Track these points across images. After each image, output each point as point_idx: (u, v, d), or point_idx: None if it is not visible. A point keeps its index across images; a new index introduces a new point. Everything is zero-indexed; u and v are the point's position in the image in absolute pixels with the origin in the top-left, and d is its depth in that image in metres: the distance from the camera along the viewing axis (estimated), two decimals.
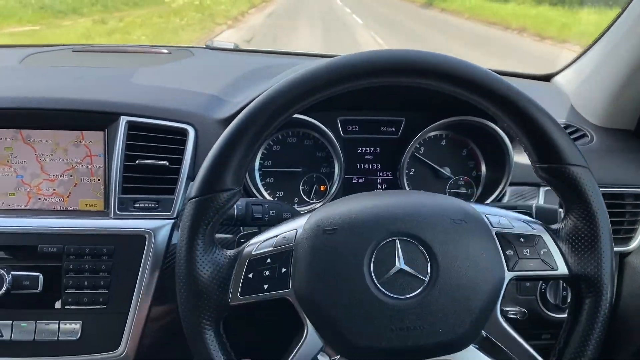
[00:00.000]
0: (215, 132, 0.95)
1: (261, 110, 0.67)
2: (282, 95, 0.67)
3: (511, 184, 1.06)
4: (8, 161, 0.97)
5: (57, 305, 0.89)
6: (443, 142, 1.13)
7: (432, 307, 0.63)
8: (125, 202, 0.93)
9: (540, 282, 1.01)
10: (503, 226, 0.69)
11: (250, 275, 0.68)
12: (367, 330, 0.63)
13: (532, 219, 0.73)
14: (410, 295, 0.64)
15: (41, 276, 0.88)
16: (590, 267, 0.68)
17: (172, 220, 0.93)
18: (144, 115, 0.97)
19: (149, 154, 0.95)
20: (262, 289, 0.67)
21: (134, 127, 0.96)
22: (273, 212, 0.86)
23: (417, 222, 0.67)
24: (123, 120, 0.95)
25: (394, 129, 1.13)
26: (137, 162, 0.94)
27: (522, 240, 0.69)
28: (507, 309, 0.98)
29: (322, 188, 1.11)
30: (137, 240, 0.90)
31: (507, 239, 0.68)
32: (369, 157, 1.14)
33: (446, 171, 1.12)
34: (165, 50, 1.41)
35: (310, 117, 1.04)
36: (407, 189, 1.11)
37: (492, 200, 1.06)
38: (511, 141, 1.06)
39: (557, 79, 1.38)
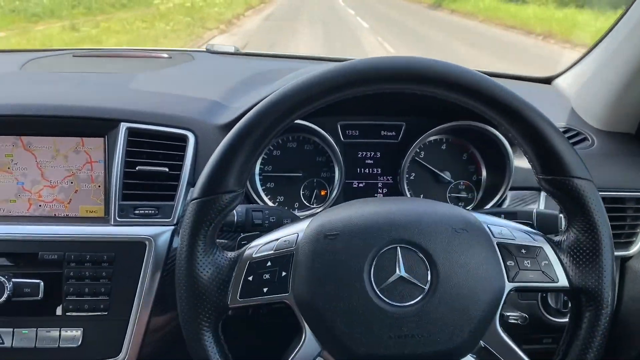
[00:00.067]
0: (216, 138, 0.95)
1: (266, 113, 0.67)
2: (289, 99, 0.67)
3: (512, 189, 1.06)
4: (9, 168, 0.97)
5: (58, 312, 0.89)
6: (443, 147, 1.13)
7: (431, 315, 0.63)
8: (126, 209, 0.93)
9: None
10: (504, 236, 0.69)
11: (250, 278, 0.68)
12: (365, 337, 0.63)
13: (533, 230, 0.73)
14: (409, 303, 0.64)
15: (42, 283, 0.88)
16: (591, 280, 0.68)
17: (172, 227, 0.93)
18: (144, 122, 0.97)
19: (149, 160, 0.95)
20: (261, 292, 0.67)
21: (134, 134, 0.96)
22: (273, 218, 0.87)
23: (418, 230, 0.67)
24: (123, 126, 0.95)
25: (394, 133, 1.13)
26: (137, 168, 0.94)
27: (523, 251, 0.69)
28: (508, 314, 0.98)
29: (323, 193, 1.11)
30: (137, 247, 0.91)
31: (508, 250, 0.68)
32: (369, 161, 1.13)
33: (446, 175, 1.12)
34: (165, 55, 1.42)
35: (310, 122, 1.04)
36: (408, 193, 1.11)
37: (493, 205, 1.06)
38: (511, 145, 1.06)
39: (558, 81, 1.38)
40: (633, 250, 1.06)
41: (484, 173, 1.12)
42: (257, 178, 1.10)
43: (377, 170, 1.14)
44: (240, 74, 1.23)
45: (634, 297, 1.05)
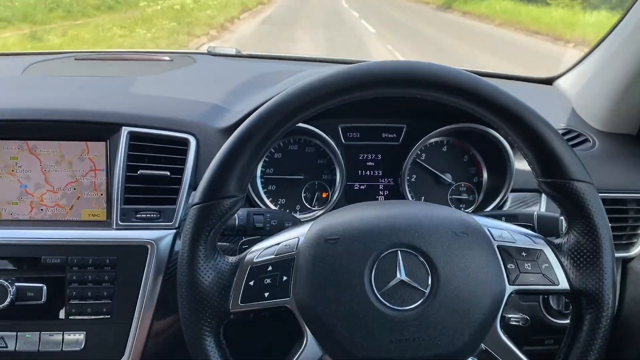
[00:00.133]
0: (217, 142, 0.95)
1: (267, 117, 0.68)
2: (290, 103, 0.67)
3: (513, 191, 1.06)
4: (13, 170, 0.98)
5: (61, 315, 0.90)
6: (444, 149, 1.13)
7: (432, 319, 0.64)
8: (128, 213, 0.93)
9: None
10: (505, 239, 0.69)
11: (251, 283, 0.68)
12: (366, 341, 0.64)
13: (534, 233, 0.73)
14: (410, 307, 0.64)
15: (45, 287, 0.88)
16: (591, 283, 0.68)
17: (174, 230, 0.94)
18: (145, 126, 0.97)
19: (151, 164, 0.95)
20: (262, 297, 0.67)
21: (136, 138, 0.96)
22: (275, 222, 0.87)
23: (418, 233, 0.67)
24: (125, 130, 0.96)
25: (395, 135, 1.13)
26: (138, 172, 0.94)
27: (523, 254, 0.69)
28: (510, 315, 0.98)
29: (324, 195, 1.12)
30: (139, 250, 0.91)
31: (509, 253, 0.68)
32: (370, 163, 1.14)
33: (447, 177, 1.12)
34: (167, 57, 1.42)
35: (311, 124, 1.04)
36: (409, 195, 1.11)
37: (494, 207, 1.06)
38: (512, 147, 1.06)
39: (559, 82, 1.37)
40: (634, 251, 1.06)
41: (485, 175, 1.12)
42: (258, 181, 1.10)
43: (378, 173, 1.14)
44: (242, 77, 1.23)
45: (635, 298, 1.05)
